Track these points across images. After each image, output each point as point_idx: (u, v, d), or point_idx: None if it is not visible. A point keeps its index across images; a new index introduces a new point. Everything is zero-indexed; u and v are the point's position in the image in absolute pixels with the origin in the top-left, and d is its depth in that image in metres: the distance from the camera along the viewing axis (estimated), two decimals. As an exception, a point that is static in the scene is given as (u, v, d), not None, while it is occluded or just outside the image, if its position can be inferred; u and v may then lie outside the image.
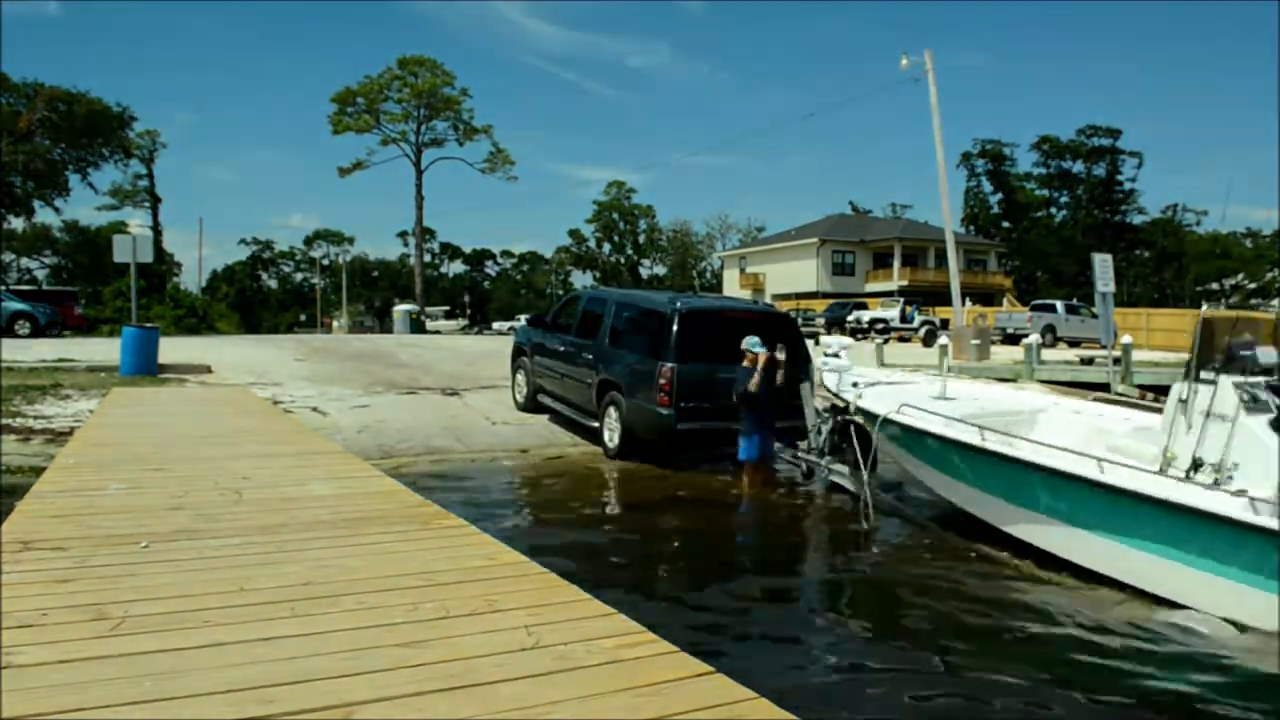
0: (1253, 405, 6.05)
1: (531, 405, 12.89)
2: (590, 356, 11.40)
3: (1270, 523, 5.38)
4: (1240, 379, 6.15)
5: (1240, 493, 5.70)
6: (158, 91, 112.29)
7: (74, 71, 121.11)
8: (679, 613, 5.66)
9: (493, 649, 2.99)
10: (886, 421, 7.96)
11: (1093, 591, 6.19)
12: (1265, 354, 6.38)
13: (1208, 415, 6.11)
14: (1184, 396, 6.32)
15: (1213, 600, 5.64)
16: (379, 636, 3.10)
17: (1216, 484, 5.91)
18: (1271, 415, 6.05)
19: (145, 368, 14.33)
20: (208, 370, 15.47)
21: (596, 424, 11.11)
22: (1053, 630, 5.56)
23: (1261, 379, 6.25)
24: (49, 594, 3.48)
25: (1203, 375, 6.28)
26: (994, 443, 7.04)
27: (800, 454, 9.62)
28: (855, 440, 8.47)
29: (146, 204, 60.62)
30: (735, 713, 2.56)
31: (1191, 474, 6.07)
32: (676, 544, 7.81)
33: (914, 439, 7.87)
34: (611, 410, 10.79)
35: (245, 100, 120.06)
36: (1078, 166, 71.30)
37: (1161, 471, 6.21)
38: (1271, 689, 4.82)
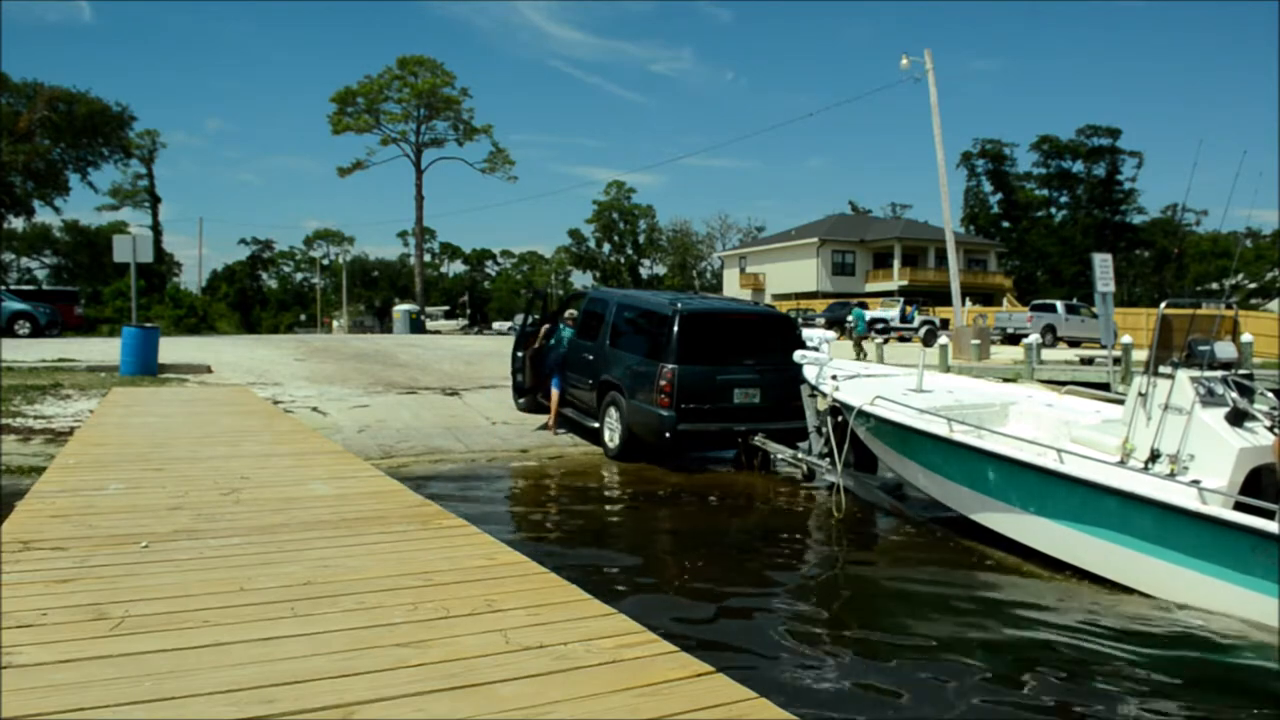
0: (1209, 398, 6.25)
1: (531, 405, 12.89)
2: (591, 357, 11.40)
3: (1220, 513, 5.56)
4: (1197, 373, 6.34)
5: (1194, 483, 5.92)
6: (190, 96, 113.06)
7: (99, 76, 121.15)
8: (679, 612, 5.66)
9: (493, 649, 2.98)
10: (861, 413, 8.05)
11: (1075, 585, 6.20)
12: (1222, 349, 6.56)
13: (1165, 408, 6.31)
14: (1143, 390, 6.53)
15: (1168, 587, 5.82)
16: (379, 636, 3.09)
17: (1173, 475, 6.10)
18: (1227, 408, 6.23)
19: (145, 368, 14.34)
20: (208, 370, 15.48)
21: (597, 424, 11.11)
22: (1036, 623, 5.57)
23: (1218, 373, 6.42)
24: (49, 594, 3.48)
25: (1161, 370, 6.47)
26: (961, 435, 7.20)
27: (800, 455, 9.62)
28: (833, 431, 8.57)
29: (146, 204, 60.72)
30: (735, 713, 2.56)
31: (1149, 465, 6.27)
32: (676, 545, 7.80)
33: (888, 431, 7.98)
34: (612, 411, 10.79)
35: (274, 105, 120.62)
36: (1078, 166, 71.28)
37: (1122, 463, 6.41)
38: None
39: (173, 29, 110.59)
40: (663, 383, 9.83)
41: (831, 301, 43.25)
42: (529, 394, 12.42)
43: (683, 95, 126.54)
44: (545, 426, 12.22)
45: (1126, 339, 17.85)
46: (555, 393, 12.12)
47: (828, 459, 8.87)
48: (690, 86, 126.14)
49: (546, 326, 12.53)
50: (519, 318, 14.03)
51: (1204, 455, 6.11)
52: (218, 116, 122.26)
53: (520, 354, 12.33)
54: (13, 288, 41.49)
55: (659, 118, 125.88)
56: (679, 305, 10.32)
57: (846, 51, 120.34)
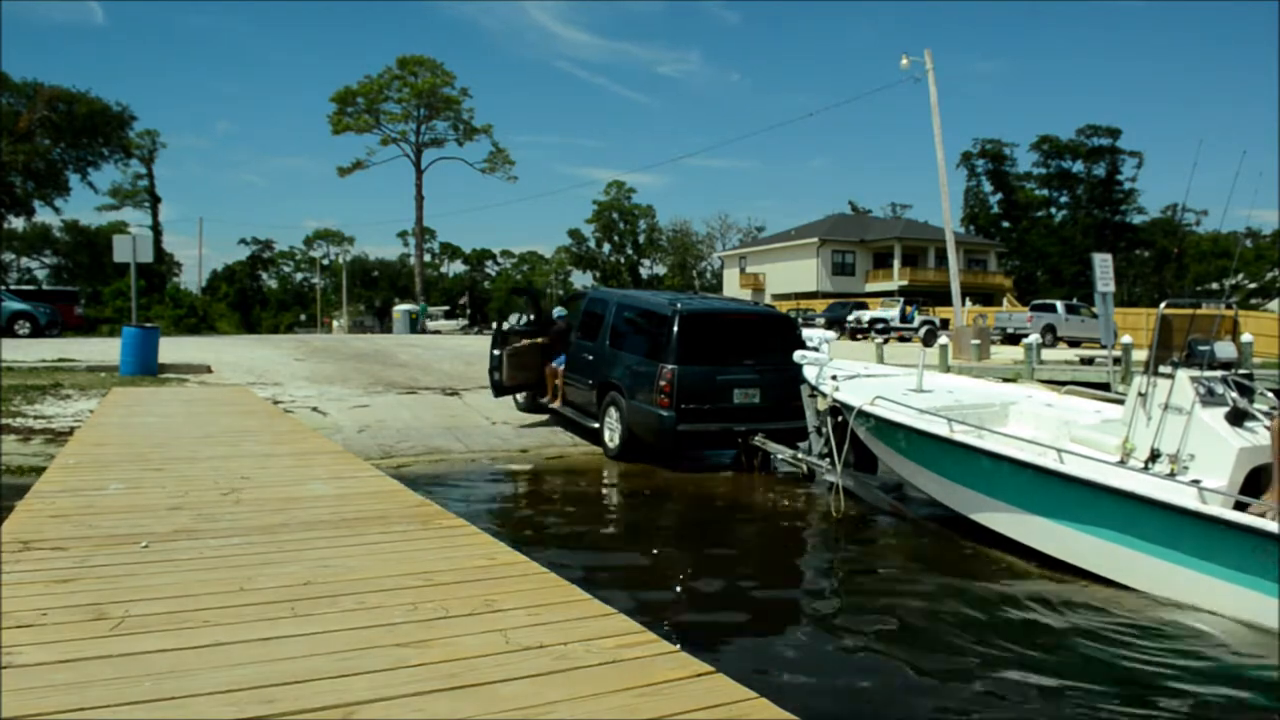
0: (1209, 398, 6.26)
1: (531, 405, 12.90)
2: (591, 357, 11.40)
3: (1220, 512, 5.55)
4: (1197, 373, 6.34)
5: (1194, 483, 5.93)
6: (198, 98, 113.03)
7: (111, 78, 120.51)
8: (678, 611, 5.66)
9: (493, 649, 2.98)
10: (861, 413, 8.06)
11: (1075, 584, 6.21)
12: (1222, 349, 6.56)
13: (1165, 408, 6.32)
14: (1143, 390, 6.54)
15: (1168, 587, 5.81)
16: (379, 636, 3.09)
17: (1173, 475, 6.11)
18: (1227, 408, 6.24)
19: (145, 368, 14.34)
20: (208, 370, 15.48)
21: (597, 425, 11.11)
22: (1034, 621, 5.57)
23: (1218, 373, 6.43)
24: (49, 594, 3.48)
25: (1161, 370, 6.47)
26: (961, 435, 7.20)
27: (800, 455, 9.62)
28: (833, 431, 8.59)
29: (146, 204, 60.74)
30: (735, 713, 2.56)
31: (1149, 465, 6.28)
32: (676, 545, 7.80)
33: (888, 431, 7.99)
34: (612, 411, 10.79)
35: (275, 105, 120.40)
36: (1078, 166, 71.27)
37: (1122, 463, 6.42)
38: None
39: (178, 30, 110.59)
40: (663, 383, 9.83)
41: (832, 301, 43.26)
42: (506, 392, 12.57)
43: (687, 96, 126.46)
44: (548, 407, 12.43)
45: (1126, 339, 17.84)
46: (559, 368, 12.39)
47: (828, 459, 8.87)
48: (695, 88, 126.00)
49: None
50: (514, 317, 14.10)
51: (1204, 455, 6.12)
52: (226, 119, 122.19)
53: (497, 352, 12.35)
54: (13, 288, 41.50)
55: (661, 118, 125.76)
56: (679, 305, 10.32)
57: (847, 52, 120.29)
